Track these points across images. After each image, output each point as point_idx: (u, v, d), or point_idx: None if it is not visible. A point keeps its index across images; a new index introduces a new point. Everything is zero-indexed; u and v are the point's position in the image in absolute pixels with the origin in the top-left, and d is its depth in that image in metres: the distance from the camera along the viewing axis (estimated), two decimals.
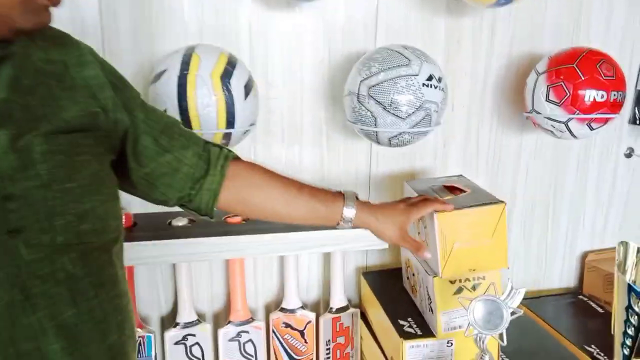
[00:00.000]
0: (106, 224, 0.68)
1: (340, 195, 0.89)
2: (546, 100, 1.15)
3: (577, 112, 1.12)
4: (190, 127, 0.98)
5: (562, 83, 1.13)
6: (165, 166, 0.78)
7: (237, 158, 0.85)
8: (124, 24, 1.14)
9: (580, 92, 1.11)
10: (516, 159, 1.42)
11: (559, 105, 1.14)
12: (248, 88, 1.02)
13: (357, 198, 0.90)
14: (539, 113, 1.18)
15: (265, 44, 1.21)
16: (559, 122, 1.15)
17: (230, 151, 0.84)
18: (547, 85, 1.15)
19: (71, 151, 0.63)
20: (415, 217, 0.93)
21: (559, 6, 1.32)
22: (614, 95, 1.12)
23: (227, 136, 1.01)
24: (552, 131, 1.19)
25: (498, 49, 1.32)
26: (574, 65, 1.12)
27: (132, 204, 1.12)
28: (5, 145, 0.57)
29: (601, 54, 1.15)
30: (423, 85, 1.04)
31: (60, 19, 0.69)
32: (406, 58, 1.06)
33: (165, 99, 0.97)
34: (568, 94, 1.12)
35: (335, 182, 1.34)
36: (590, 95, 1.11)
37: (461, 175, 1.24)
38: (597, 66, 1.11)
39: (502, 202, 1.01)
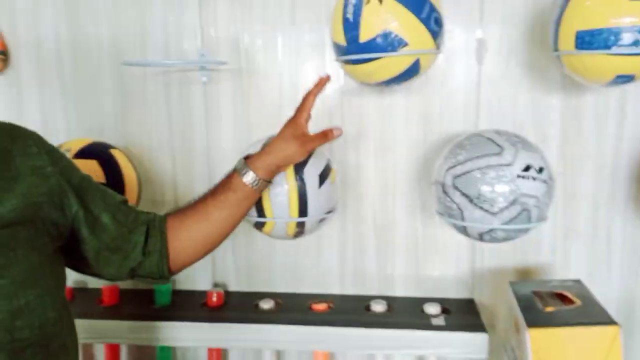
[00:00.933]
0: (46, 317, 0.66)
1: (231, 173, 0.88)
2: None
3: None
4: (263, 215, 0.98)
5: None
6: (120, 239, 0.79)
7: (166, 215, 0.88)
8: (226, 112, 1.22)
9: None
10: None
11: None
12: (324, 176, 1.00)
13: (246, 158, 0.89)
14: None
15: (358, 125, 1.19)
16: None
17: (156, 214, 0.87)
18: None
19: (5, 247, 0.63)
20: (300, 121, 0.91)
21: None
22: None
23: (300, 225, 0.99)
24: None
25: (630, 132, 1.11)
26: None
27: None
28: None
29: None
30: (518, 177, 0.91)
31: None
32: (497, 145, 0.94)
33: None
34: None
35: (430, 277, 1.22)
36: None
37: (579, 280, 1.04)
38: None
39: (614, 323, 0.81)
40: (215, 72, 1.21)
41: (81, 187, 0.76)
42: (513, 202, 0.91)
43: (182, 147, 1.25)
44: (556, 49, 0.96)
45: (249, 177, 0.86)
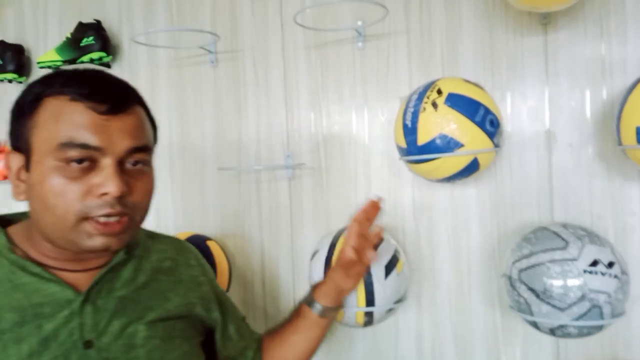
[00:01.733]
0: None
1: (301, 302, 0.97)
2: None
3: None
4: None
5: None
6: (237, 351, 0.93)
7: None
8: (307, 205, 1.35)
9: None
10: None
11: None
12: (390, 267, 1.05)
13: (314, 287, 0.97)
14: None
15: (429, 218, 1.24)
16: None
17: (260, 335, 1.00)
18: None
19: (166, 335, 0.78)
20: (344, 249, 0.96)
21: None
22: None
23: (369, 314, 1.05)
24: None
25: None
26: None
27: None
28: (117, 332, 0.74)
29: None
30: (585, 272, 0.90)
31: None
32: (563, 240, 0.94)
33: (315, 277, 1.08)
34: None
35: None
36: None
37: None
38: None
39: None
40: (298, 169, 1.35)
41: (221, 297, 0.94)
42: (582, 298, 0.90)
43: (270, 236, 1.39)
44: (620, 143, 0.96)
45: (315, 308, 0.95)
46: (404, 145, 1.04)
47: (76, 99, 0.68)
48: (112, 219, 0.68)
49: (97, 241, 0.68)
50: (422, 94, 1.02)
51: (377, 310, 1.04)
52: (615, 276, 0.91)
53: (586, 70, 1.13)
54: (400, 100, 1.13)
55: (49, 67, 1.52)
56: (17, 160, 0.71)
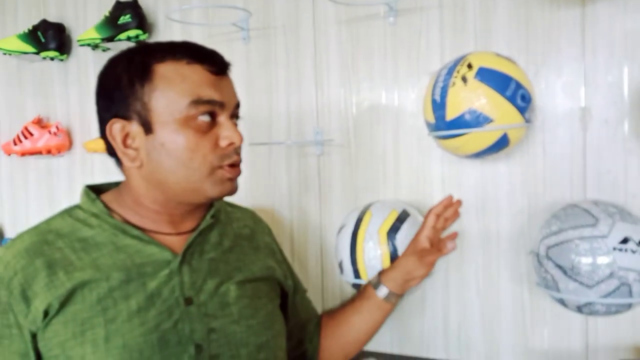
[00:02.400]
0: (276, 355, 0.85)
1: (367, 284, 1.02)
2: None
3: None
4: (359, 277, 1.07)
5: None
6: (299, 324, 0.98)
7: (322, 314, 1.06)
8: (336, 181, 1.36)
9: None
10: None
11: None
12: None
13: (380, 273, 1.01)
14: None
15: (458, 195, 1.24)
16: None
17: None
18: None
19: (254, 295, 0.84)
20: (419, 237, 1.02)
21: None
22: None
23: None
24: None
25: None
26: None
27: None
28: (212, 291, 0.79)
29: None
30: (614, 249, 0.89)
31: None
32: (593, 217, 0.93)
33: (342, 251, 1.10)
34: None
35: (540, 350, 1.18)
36: None
37: None
38: None
39: None
40: (328, 146, 1.36)
41: (290, 267, 1.01)
42: (610, 276, 0.89)
43: (299, 211, 1.41)
44: None
45: (381, 291, 0.99)
46: (432, 120, 1.04)
47: (193, 62, 0.76)
48: (237, 165, 0.80)
49: (227, 186, 0.80)
50: (452, 69, 1.01)
51: None
52: None
53: (625, 45, 1.09)
54: (429, 75, 1.12)
55: (89, 44, 1.56)
56: (119, 128, 0.76)
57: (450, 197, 1.05)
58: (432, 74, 1.07)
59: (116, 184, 0.87)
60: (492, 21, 1.19)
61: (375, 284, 0.99)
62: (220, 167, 0.77)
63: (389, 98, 1.30)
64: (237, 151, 0.79)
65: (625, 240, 0.89)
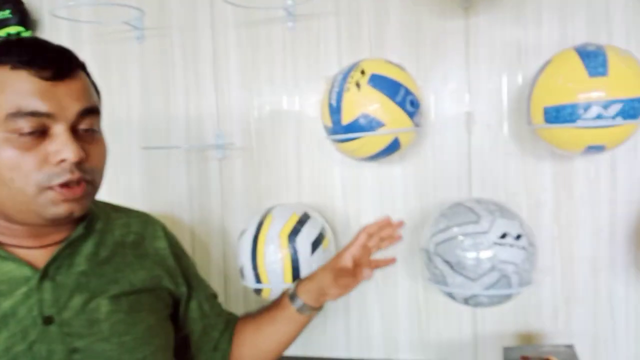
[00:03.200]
0: None
1: (284, 293, 0.96)
2: None
3: None
4: (260, 281, 1.07)
5: None
6: (199, 331, 0.91)
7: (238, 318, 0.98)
8: (238, 185, 1.35)
9: None
10: None
11: None
12: (316, 244, 1.08)
13: (300, 282, 0.95)
14: None
15: (357, 196, 1.27)
16: None
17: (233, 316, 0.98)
18: None
19: (131, 309, 0.78)
20: (343, 254, 0.96)
21: None
22: None
23: None
24: None
25: (623, 195, 1.13)
26: None
27: None
28: (79, 308, 0.73)
29: None
30: (495, 244, 0.96)
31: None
32: (475, 214, 0.99)
33: (243, 256, 1.09)
34: None
35: (434, 341, 1.25)
36: None
37: (572, 345, 1.04)
38: None
39: None
40: (229, 149, 1.35)
41: (189, 271, 0.92)
42: (491, 269, 0.95)
43: (201, 216, 1.38)
44: (530, 123, 1.02)
45: (295, 302, 0.93)
46: (329, 124, 1.06)
47: (18, 66, 0.66)
48: (73, 184, 0.68)
49: (61, 208, 0.68)
50: (346, 74, 1.03)
51: None
52: (523, 248, 0.97)
53: (503, 55, 1.18)
54: (325, 80, 1.15)
55: None
56: None
57: (388, 218, 1.00)
58: (328, 79, 1.10)
59: None
60: (385, 29, 1.24)
61: (292, 294, 0.93)
62: (50, 187, 0.67)
63: (290, 102, 1.31)
64: (72, 169, 0.67)
65: (504, 235, 0.96)
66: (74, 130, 0.69)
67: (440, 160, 1.23)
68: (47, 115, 0.66)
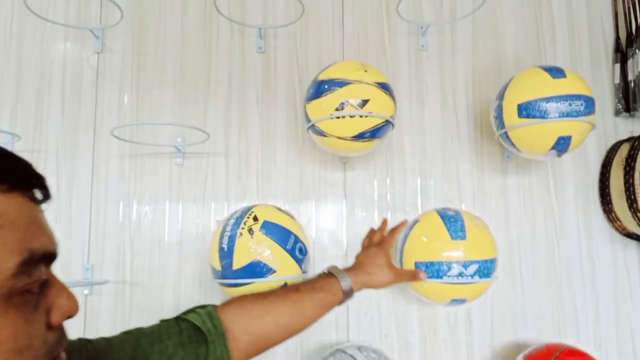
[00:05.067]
0: None
1: (329, 275, 0.91)
2: None
3: None
4: None
5: None
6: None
7: (218, 306, 0.78)
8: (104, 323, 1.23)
9: None
10: None
11: None
12: None
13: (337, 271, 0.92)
14: None
15: None
16: None
17: (205, 306, 0.77)
18: None
19: None
20: (389, 250, 1.01)
21: (539, 293, 1.30)
22: None
23: None
24: None
25: (478, 339, 1.27)
26: None
27: None
28: None
29: (577, 353, 1.07)
30: None
31: None
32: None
33: None
34: None
35: None
36: None
37: None
38: None
39: None
40: (98, 287, 1.25)
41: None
42: None
43: None
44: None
45: (346, 285, 0.89)
46: (218, 267, 1.06)
47: (13, 188, 0.43)
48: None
49: None
50: (239, 219, 1.06)
51: None
52: None
53: (375, 203, 1.32)
54: (217, 223, 1.16)
55: None
56: None
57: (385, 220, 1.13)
58: (220, 222, 1.11)
59: None
60: (272, 174, 1.32)
61: (344, 281, 0.89)
62: (57, 357, 0.46)
63: (172, 233, 1.29)
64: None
65: None
66: None
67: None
68: (54, 256, 0.46)
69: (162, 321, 0.75)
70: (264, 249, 1.03)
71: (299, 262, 1.07)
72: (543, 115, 1.08)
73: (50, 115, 1.31)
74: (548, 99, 1.09)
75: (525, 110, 1.10)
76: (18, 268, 0.41)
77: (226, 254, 1.04)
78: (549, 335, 1.25)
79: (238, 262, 1.03)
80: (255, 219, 1.06)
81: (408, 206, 1.32)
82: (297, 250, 1.07)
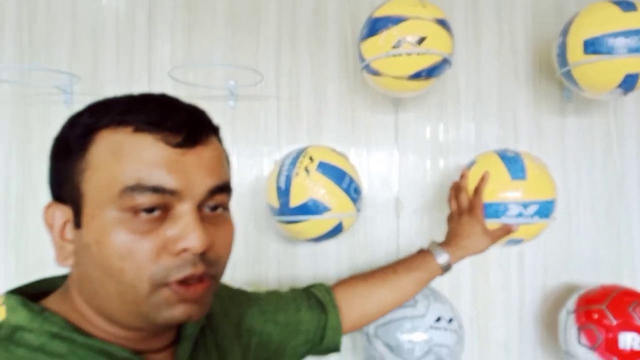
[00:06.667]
0: None
1: (425, 252, 0.98)
2: (578, 344, 1.05)
3: (615, 359, 1.01)
4: None
5: (592, 326, 1.04)
6: (287, 337, 0.84)
7: (334, 286, 0.95)
8: None
9: (615, 336, 1.01)
10: None
11: (593, 350, 1.03)
12: None
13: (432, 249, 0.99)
14: (574, 357, 1.07)
15: (292, 273, 1.29)
16: None
17: (322, 284, 0.95)
18: (578, 327, 1.06)
19: None
20: (482, 216, 1.02)
21: (595, 235, 1.28)
22: None
23: None
24: None
25: (530, 281, 1.27)
26: (604, 307, 1.04)
27: None
28: None
29: (635, 294, 1.06)
30: (431, 328, 1.02)
31: None
32: (413, 298, 1.05)
33: None
34: (600, 339, 1.02)
35: None
36: (626, 341, 1.00)
37: None
38: (630, 309, 1.02)
39: None
40: None
41: (257, 302, 0.88)
42: (428, 352, 1.01)
43: None
44: None
45: (443, 259, 0.96)
46: (276, 205, 1.08)
47: (143, 128, 0.52)
48: (194, 281, 0.53)
49: (178, 310, 0.53)
50: (295, 159, 1.08)
51: None
52: (455, 331, 1.04)
53: (427, 148, 1.31)
54: (274, 163, 1.18)
55: None
56: (61, 214, 0.55)
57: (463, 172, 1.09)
58: (277, 162, 1.13)
59: (48, 282, 0.62)
60: (322, 117, 1.31)
61: (436, 250, 0.98)
62: (166, 284, 0.51)
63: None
64: (195, 261, 0.52)
65: (438, 319, 1.03)
66: (200, 211, 0.54)
67: (371, 241, 1.30)
68: (173, 192, 0.51)
69: (292, 290, 0.93)
70: (320, 188, 1.04)
71: (354, 200, 1.08)
72: (610, 51, 1.03)
73: (105, 58, 1.33)
74: (616, 34, 1.03)
75: (592, 46, 1.04)
76: (122, 192, 0.51)
77: (283, 192, 1.06)
78: (604, 277, 1.24)
79: (295, 200, 1.05)
80: (311, 159, 1.07)
81: (462, 149, 1.30)
82: (353, 190, 1.08)
